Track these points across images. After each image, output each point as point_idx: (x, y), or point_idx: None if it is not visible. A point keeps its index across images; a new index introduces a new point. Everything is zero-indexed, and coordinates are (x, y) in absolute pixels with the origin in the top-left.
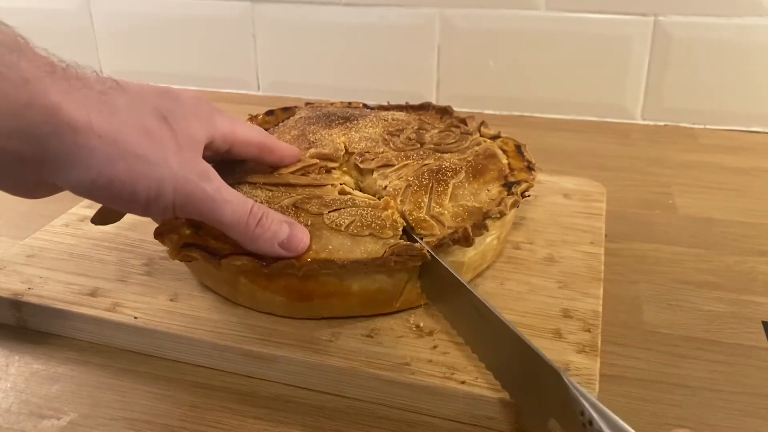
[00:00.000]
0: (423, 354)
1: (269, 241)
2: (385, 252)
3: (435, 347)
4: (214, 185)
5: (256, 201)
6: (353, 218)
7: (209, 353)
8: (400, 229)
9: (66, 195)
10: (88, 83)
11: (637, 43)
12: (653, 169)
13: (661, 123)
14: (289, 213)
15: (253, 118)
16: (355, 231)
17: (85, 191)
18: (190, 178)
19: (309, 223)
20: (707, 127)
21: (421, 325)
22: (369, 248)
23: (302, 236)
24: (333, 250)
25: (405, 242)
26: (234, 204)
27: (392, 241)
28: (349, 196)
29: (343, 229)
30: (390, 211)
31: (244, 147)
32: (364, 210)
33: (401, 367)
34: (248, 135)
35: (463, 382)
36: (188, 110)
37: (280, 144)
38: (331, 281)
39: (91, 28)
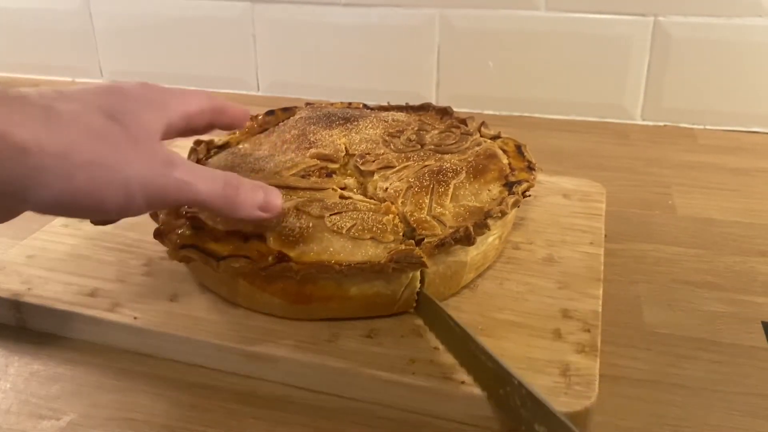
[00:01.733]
0: (423, 354)
1: (250, 207)
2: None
3: (435, 347)
4: (181, 168)
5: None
6: (354, 222)
7: (209, 353)
8: (401, 234)
9: None
10: (28, 101)
11: (637, 44)
12: (653, 169)
13: (661, 123)
14: (291, 215)
15: (253, 118)
16: (356, 234)
17: (51, 210)
18: (155, 171)
19: (310, 225)
20: (707, 127)
21: (421, 325)
22: (370, 252)
23: (276, 197)
24: (334, 253)
25: (405, 247)
26: (207, 179)
27: (393, 245)
28: (351, 200)
29: (344, 232)
30: (391, 215)
31: (199, 117)
32: (365, 214)
33: (401, 368)
34: (200, 104)
35: (463, 382)
36: (135, 101)
37: (228, 104)
38: (329, 285)
39: (91, 29)
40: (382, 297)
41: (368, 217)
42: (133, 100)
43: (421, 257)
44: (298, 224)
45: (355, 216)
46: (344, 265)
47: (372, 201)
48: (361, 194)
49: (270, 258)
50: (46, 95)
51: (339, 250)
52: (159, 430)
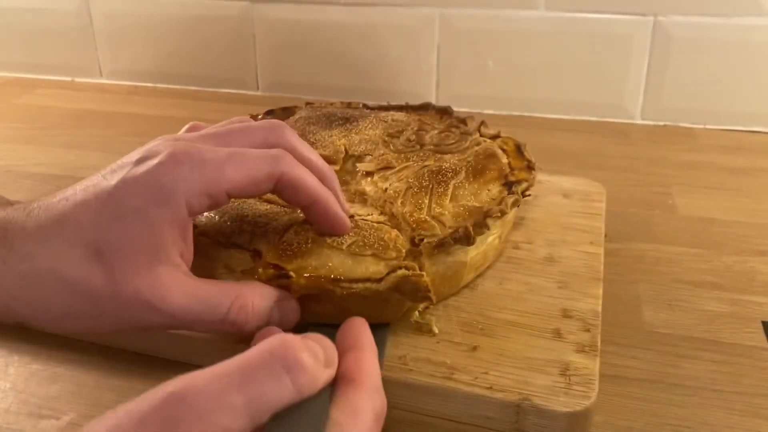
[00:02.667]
0: (423, 354)
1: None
2: (387, 274)
3: (435, 347)
4: (172, 305)
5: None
6: (355, 238)
7: (208, 353)
8: (404, 251)
9: None
10: (9, 254)
11: (637, 43)
12: (653, 169)
13: (661, 123)
14: (290, 232)
15: (253, 118)
16: (356, 250)
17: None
18: (128, 323)
19: (309, 241)
20: (707, 127)
21: (421, 324)
22: (371, 268)
23: (294, 309)
24: (333, 268)
25: (411, 273)
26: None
27: (395, 262)
28: (353, 218)
29: (344, 248)
30: (393, 233)
31: (250, 188)
32: (367, 231)
33: (400, 367)
34: (253, 173)
35: (463, 382)
36: (135, 216)
37: (335, 204)
38: (328, 306)
39: (91, 28)
40: (383, 316)
41: (369, 234)
42: (131, 216)
43: (428, 291)
44: (296, 239)
45: (356, 232)
46: (345, 289)
47: (375, 220)
48: (360, 204)
49: (270, 270)
50: (22, 245)
51: (338, 265)
52: None
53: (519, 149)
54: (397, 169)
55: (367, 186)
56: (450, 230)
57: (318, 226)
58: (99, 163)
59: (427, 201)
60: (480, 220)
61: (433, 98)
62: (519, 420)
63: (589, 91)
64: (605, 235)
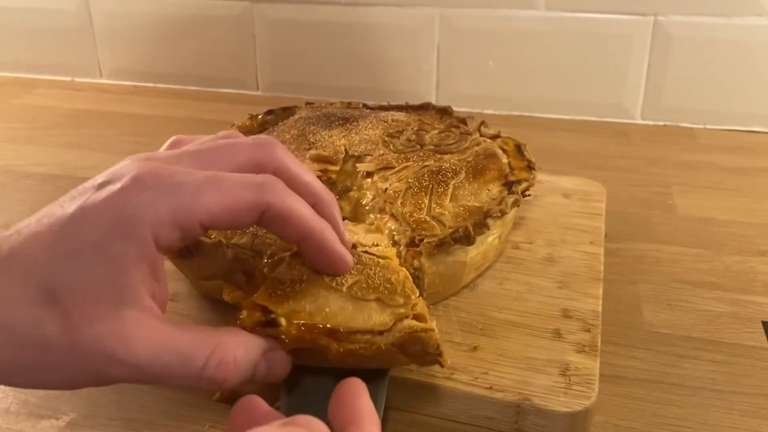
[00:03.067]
0: None
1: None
2: (393, 324)
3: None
4: (138, 356)
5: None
6: (357, 278)
7: None
8: (414, 298)
9: None
10: None
11: (637, 43)
12: (653, 169)
13: (661, 123)
14: (283, 263)
15: (253, 118)
16: (359, 293)
17: None
18: (97, 370)
19: (304, 278)
20: (707, 127)
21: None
22: (374, 317)
23: (283, 361)
24: (330, 315)
25: (420, 327)
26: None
27: (402, 310)
28: (355, 248)
29: (344, 289)
30: (402, 274)
31: (231, 217)
32: (371, 269)
33: (401, 368)
34: (230, 202)
35: (463, 382)
36: (92, 252)
37: (334, 240)
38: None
39: (91, 28)
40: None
41: (374, 273)
42: (89, 251)
43: (439, 353)
44: (289, 275)
45: (359, 270)
46: (343, 345)
47: (381, 254)
48: (353, 223)
49: (257, 314)
50: None
51: (336, 311)
52: (159, 429)
53: (519, 149)
54: (397, 169)
55: (369, 190)
56: (450, 230)
57: (313, 263)
58: (99, 163)
59: (427, 201)
60: (480, 220)
61: (433, 98)
62: (519, 420)
63: (589, 91)
64: (605, 235)
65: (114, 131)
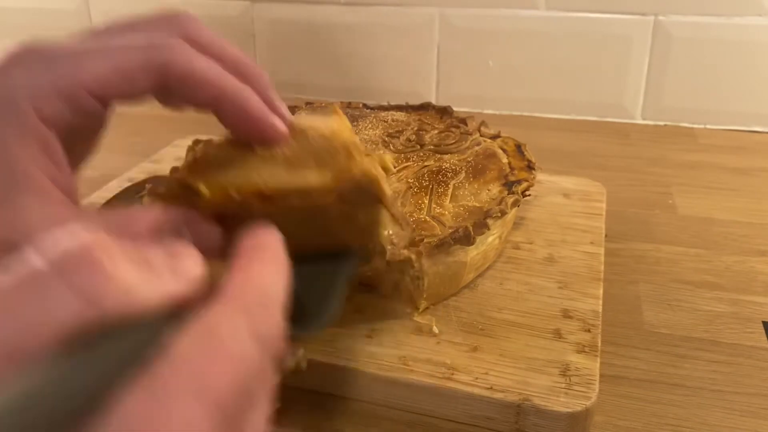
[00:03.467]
0: (423, 354)
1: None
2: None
3: (435, 347)
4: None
5: None
6: (297, 149)
7: None
8: (359, 158)
9: None
10: None
11: (637, 43)
12: (653, 169)
13: (661, 123)
14: (210, 145)
15: None
16: (294, 161)
17: None
18: None
19: (233, 154)
20: (707, 127)
21: (422, 325)
22: (310, 179)
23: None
24: (259, 180)
25: (361, 175)
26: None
27: (344, 167)
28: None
29: (279, 158)
30: (351, 138)
31: (122, 84)
32: (315, 141)
33: (401, 368)
34: (113, 66)
35: (463, 383)
36: None
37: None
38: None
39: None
40: (342, 235)
41: (316, 143)
42: None
43: (383, 192)
44: (214, 152)
45: (300, 144)
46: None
47: (327, 128)
48: None
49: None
50: None
51: (267, 178)
52: None
53: (519, 149)
54: (397, 169)
55: None
56: (450, 230)
57: (237, 132)
58: (98, 163)
59: (427, 201)
60: (480, 220)
61: (433, 98)
62: (519, 420)
63: (589, 91)
64: (605, 235)
65: (114, 131)
